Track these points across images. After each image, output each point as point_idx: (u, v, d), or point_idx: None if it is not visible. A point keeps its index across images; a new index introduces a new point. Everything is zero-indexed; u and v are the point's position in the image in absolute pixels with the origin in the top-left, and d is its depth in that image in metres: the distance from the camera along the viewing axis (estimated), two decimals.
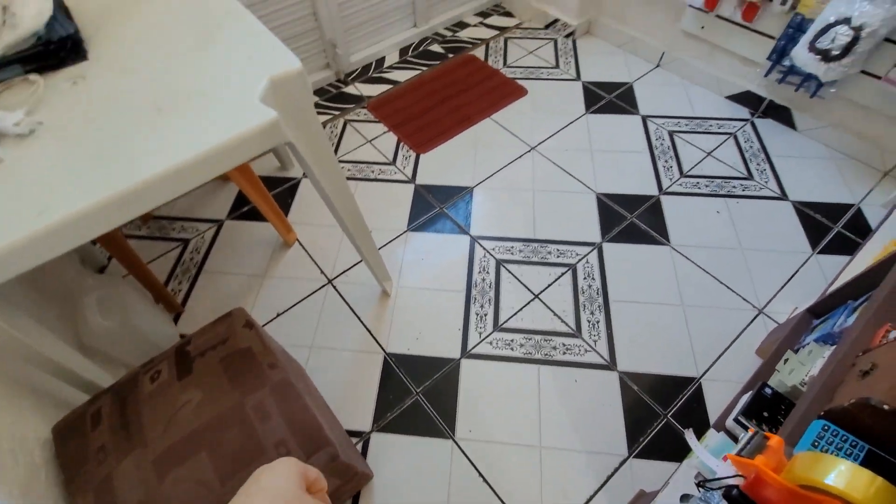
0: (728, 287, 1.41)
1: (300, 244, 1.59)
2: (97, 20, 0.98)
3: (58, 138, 0.76)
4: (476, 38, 2.28)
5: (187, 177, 0.73)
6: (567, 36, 2.25)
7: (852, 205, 1.57)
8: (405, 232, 1.60)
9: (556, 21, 2.25)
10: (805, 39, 1.45)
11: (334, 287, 1.48)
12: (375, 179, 1.76)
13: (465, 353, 1.32)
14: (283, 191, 1.74)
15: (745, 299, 1.38)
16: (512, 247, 1.54)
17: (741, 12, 1.66)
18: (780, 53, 1.61)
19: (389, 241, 1.58)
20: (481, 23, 2.36)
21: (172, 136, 0.75)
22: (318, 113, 1.98)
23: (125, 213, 0.70)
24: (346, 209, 1.13)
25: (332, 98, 2.05)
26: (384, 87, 2.08)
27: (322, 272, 1.52)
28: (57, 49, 0.87)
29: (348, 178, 1.76)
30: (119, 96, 0.82)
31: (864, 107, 1.57)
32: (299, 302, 1.45)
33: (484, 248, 1.54)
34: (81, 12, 0.99)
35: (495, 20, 2.37)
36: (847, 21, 1.33)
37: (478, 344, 1.34)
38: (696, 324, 1.34)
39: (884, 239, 1.29)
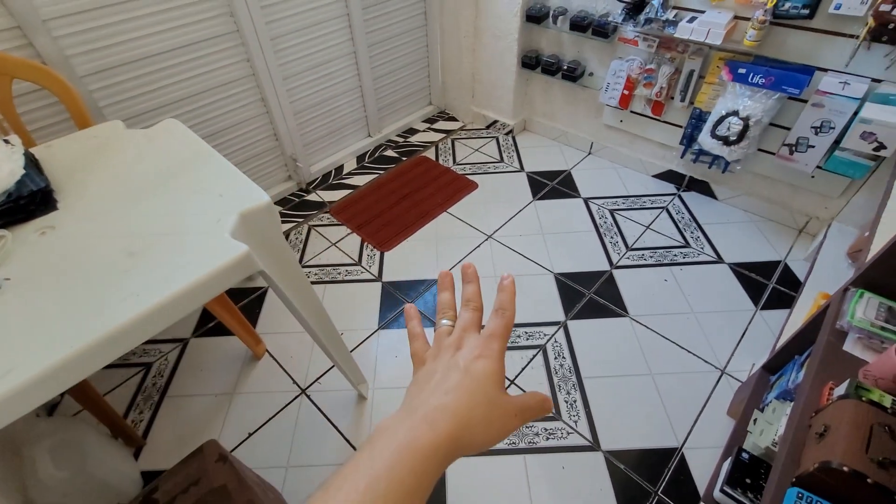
0: (689, 351, 1.49)
1: (270, 355, 1.56)
2: (69, 169, 1.03)
3: (25, 292, 0.76)
4: (426, 142, 2.49)
5: (162, 317, 0.75)
6: (507, 133, 2.51)
7: (779, 261, 1.75)
8: (377, 330, 1.62)
9: (495, 122, 2.52)
10: (707, 128, 1.70)
11: (308, 397, 1.44)
12: (343, 281, 1.79)
13: None
14: (251, 301, 1.74)
15: (706, 361, 1.46)
16: None
17: (650, 108, 1.94)
18: (689, 139, 1.87)
19: (362, 342, 1.58)
20: (429, 128, 2.60)
21: (145, 279, 0.77)
22: (283, 221, 2.06)
23: (98, 362, 0.70)
24: (315, 319, 1.15)
25: (296, 206, 2.14)
26: (345, 192, 2.20)
27: (294, 382, 1.48)
28: (26, 203, 0.90)
29: (316, 282, 1.79)
30: (89, 243, 0.84)
31: (767, 177, 1.82)
32: (272, 418, 1.39)
33: None
34: (53, 162, 1.04)
35: (441, 125, 2.62)
36: (736, 113, 1.59)
37: None
38: (667, 391, 1.39)
39: (812, 292, 1.43)
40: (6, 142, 0.99)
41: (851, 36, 1.39)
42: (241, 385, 1.48)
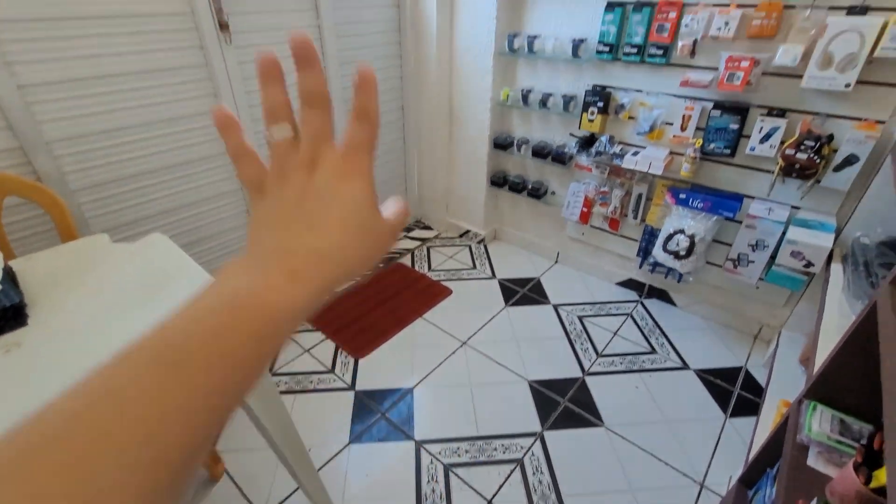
0: (666, 463, 1.46)
1: (229, 476, 1.44)
2: (47, 283, 1.04)
3: None
4: (402, 249, 2.61)
5: None
6: (479, 242, 2.66)
7: (740, 367, 1.82)
8: (347, 445, 1.54)
9: (468, 231, 2.69)
10: (659, 243, 1.87)
11: None
12: (314, 390, 1.74)
13: None
14: None
15: (685, 475, 1.43)
16: (458, 448, 1.52)
17: (608, 224, 2.14)
18: (644, 252, 2.04)
19: (331, 458, 1.49)
20: (406, 236, 2.74)
21: None
22: None
23: None
24: (282, 435, 1.11)
25: None
26: None
27: None
28: None
29: (285, 392, 1.72)
30: (55, 365, 0.83)
31: (719, 287, 1.97)
32: None
33: (430, 454, 1.50)
34: (32, 276, 1.05)
35: (417, 233, 2.77)
36: (682, 231, 1.77)
37: None
38: None
39: (774, 399, 1.48)
40: None
41: (768, 171, 1.64)
42: None
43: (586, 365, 1.84)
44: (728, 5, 1.50)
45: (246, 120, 1.79)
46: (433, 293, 2.25)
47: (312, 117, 0.28)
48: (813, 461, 0.93)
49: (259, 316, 0.22)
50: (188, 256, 1.16)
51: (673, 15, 1.60)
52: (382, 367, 1.84)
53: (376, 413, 1.64)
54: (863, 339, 0.88)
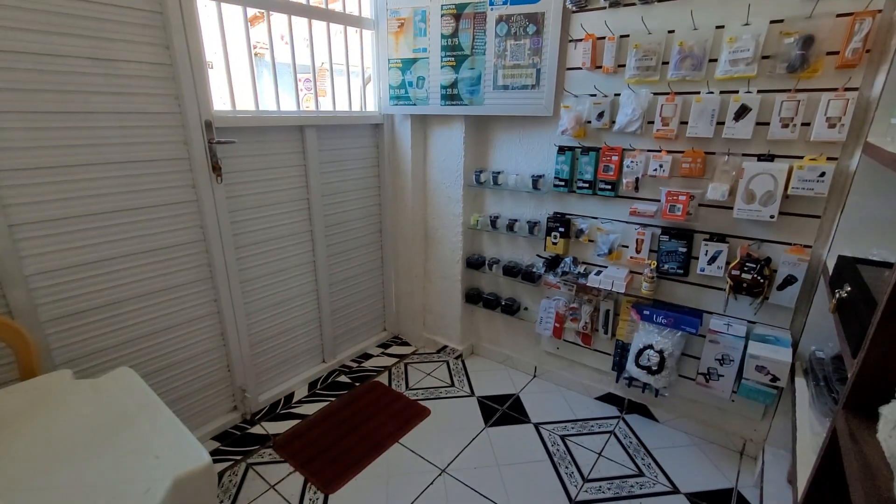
0: None
1: None
2: None
3: None
4: (380, 366, 2.57)
5: None
6: (456, 358, 2.65)
7: (731, 489, 1.75)
8: None
9: (445, 346, 2.68)
10: (631, 358, 1.91)
11: None
12: None
13: None
14: None
15: None
16: None
17: (581, 339, 2.19)
18: (619, 366, 2.06)
19: None
20: (383, 352, 2.71)
21: None
22: (219, 460, 1.89)
23: None
24: None
25: (236, 441, 1.99)
26: (292, 423, 2.11)
27: None
28: None
29: None
30: None
31: (696, 401, 1.97)
32: None
33: None
34: None
35: (395, 349, 2.75)
36: (651, 346, 1.83)
37: None
38: None
39: None
40: None
41: (721, 289, 1.77)
42: None
43: (573, 492, 1.74)
44: (660, 151, 1.76)
45: (229, 248, 1.88)
46: (411, 414, 2.17)
47: None
48: None
49: None
50: (154, 394, 1.14)
51: (615, 158, 1.85)
52: (355, 503, 1.69)
53: None
54: (834, 463, 0.90)
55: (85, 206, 1.49)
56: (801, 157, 1.51)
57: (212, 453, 1.92)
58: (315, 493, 1.75)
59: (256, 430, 2.07)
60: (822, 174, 1.44)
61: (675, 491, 1.75)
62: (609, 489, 1.75)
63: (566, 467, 1.86)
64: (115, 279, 1.60)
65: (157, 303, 1.72)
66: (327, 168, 2.24)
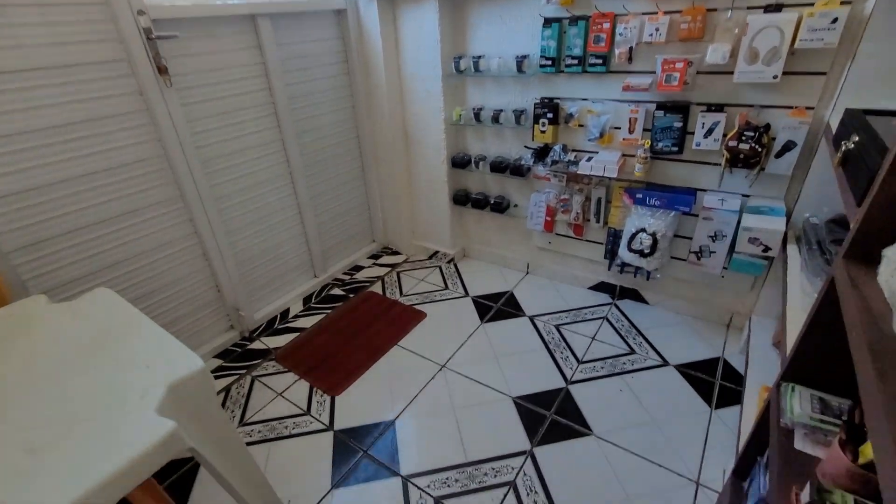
0: (660, 465, 1.44)
1: None
2: None
3: None
4: (372, 277, 2.56)
5: None
6: (449, 262, 2.64)
7: (718, 358, 1.84)
8: (329, 491, 1.44)
9: (436, 252, 2.66)
10: (623, 243, 1.90)
11: None
12: (290, 435, 1.64)
13: None
14: (181, 476, 1.52)
15: (679, 475, 1.41)
16: (447, 478, 1.45)
17: (573, 230, 2.16)
18: (611, 254, 2.06)
19: None
20: (374, 263, 2.69)
21: (46, 482, 0.67)
22: (224, 375, 1.92)
23: None
24: (255, 495, 1.02)
25: (238, 357, 2.02)
26: (291, 336, 2.13)
27: None
28: None
29: (259, 442, 1.61)
30: None
31: (686, 280, 2.01)
32: None
33: (419, 488, 1.42)
34: None
35: (386, 259, 2.73)
36: (644, 230, 1.80)
37: None
38: None
39: (755, 385, 1.49)
40: None
41: (716, 164, 1.70)
42: None
43: (568, 374, 1.82)
44: (656, 13, 1.58)
45: (194, 163, 1.73)
46: (407, 319, 2.20)
47: None
48: (800, 444, 0.92)
49: None
50: (136, 310, 1.09)
51: (607, 25, 1.66)
52: (360, 402, 1.76)
53: (358, 452, 1.56)
54: (827, 315, 0.89)
55: (22, 121, 1.32)
56: (812, 4, 1.35)
57: (216, 370, 1.95)
58: (322, 396, 1.81)
59: (256, 345, 2.10)
60: (835, 20, 1.30)
61: (665, 364, 1.83)
62: (602, 368, 1.83)
63: (561, 353, 1.93)
64: (76, 202, 1.48)
65: (127, 225, 1.62)
66: (291, 66, 2.01)
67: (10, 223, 1.36)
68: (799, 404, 0.94)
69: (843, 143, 1.04)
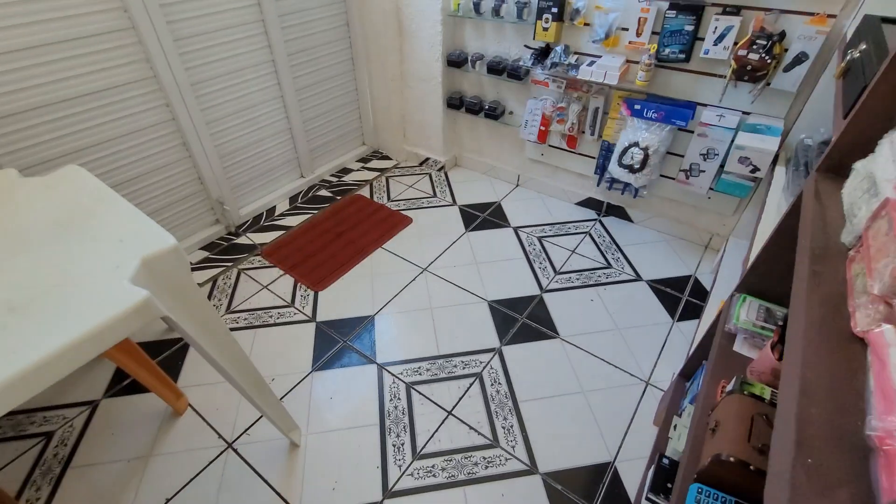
0: (616, 366, 1.55)
1: (193, 409, 1.46)
2: None
3: None
4: (360, 180, 2.53)
5: (45, 374, 0.69)
6: (439, 170, 2.60)
7: (690, 276, 1.90)
8: (310, 373, 1.56)
9: (427, 159, 2.61)
10: (614, 158, 1.86)
11: (235, 451, 1.35)
12: (275, 324, 1.73)
13: (387, 492, 1.25)
14: (172, 353, 1.63)
15: (632, 375, 1.53)
16: (419, 367, 1.57)
17: (566, 142, 2.09)
18: (602, 168, 2.02)
19: (294, 386, 1.52)
20: (364, 167, 2.64)
21: (25, 335, 0.72)
22: (211, 266, 1.98)
23: None
24: (234, 366, 1.10)
25: (224, 251, 2.06)
26: (277, 234, 2.16)
27: (220, 436, 1.39)
28: None
29: (245, 328, 1.71)
30: None
31: (672, 200, 2.00)
32: (193, 478, 1.29)
33: (392, 374, 1.55)
34: None
35: (375, 164, 2.67)
36: (637, 144, 1.75)
37: (399, 479, 1.27)
38: (598, 407, 1.43)
39: (717, 301, 1.56)
40: None
41: (721, 76, 1.60)
42: (158, 446, 1.36)
43: (544, 283, 1.88)
44: None
45: (166, 41, 1.61)
46: (393, 223, 2.22)
47: None
48: (739, 347, 0.99)
49: None
50: (108, 188, 1.08)
51: None
52: (343, 297, 1.84)
53: (338, 341, 1.66)
54: (789, 229, 0.90)
55: None
56: None
57: (201, 261, 2.00)
58: (305, 290, 1.88)
59: (242, 240, 2.13)
60: None
61: (638, 279, 1.90)
62: (577, 279, 1.90)
63: (540, 263, 1.98)
64: (44, 75, 1.40)
65: (100, 105, 1.55)
66: None
67: None
68: (746, 312, 0.99)
69: (849, 52, 0.97)
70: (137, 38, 1.55)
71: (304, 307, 1.80)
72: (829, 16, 1.37)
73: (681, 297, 1.81)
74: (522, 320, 1.72)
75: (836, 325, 0.57)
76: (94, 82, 1.51)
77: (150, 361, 1.34)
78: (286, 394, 1.50)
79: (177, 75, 1.69)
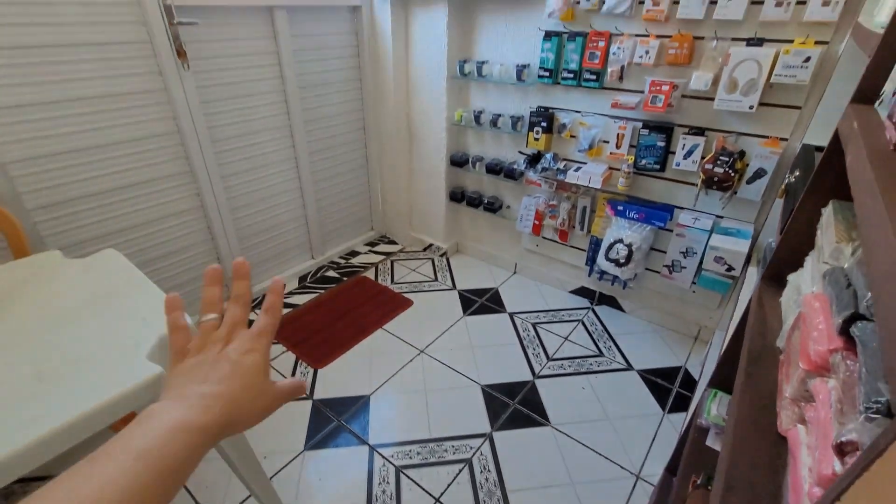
0: (606, 458, 1.55)
1: (184, 487, 1.47)
2: None
3: None
4: (367, 263, 2.69)
5: (62, 440, 0.77)
6: (441, 255, 2.76)
7: (680, 367, 1.94)
8: (302, 452, 1.58)
9: (431, 245, 2.78)
10: (602, 252, 2.00)
11: None
12: None
13: None
14: None
15: (622, 467, 1.52)
16: (410, 450, 1.58)
17: (558, 235, 2.26)
18: (592, 261, 2.16)
19: (286, 465, 1.53)
20: (371, 250, 2.82)
21: (49, 403, 0.80)
22: None
23: None
24: (232, 445, 1.16)
25: None
26: (284, 311, 2.27)
27: None
28: None
29: None
30: None
31: (659, 292, 2.10)
32: None
33: (383, 457, 1.56)
34: None
35: (382, 248, 2.85)
36: (621, 241, 1.90)
37: None
38: (588, 501, 1.42)
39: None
40: None
41: (693, 184, 1.79)
42: None
43: (537, 369, 1.93)
44: (647, 36, 1.66)
45: (205, 141, 1.87)
46: (394, 304, 2.33)
47: (236, 309, 0.44)
48: (711, 441, 1.03)
49: (192, 434, 0.33)
50: (139, 272, 1.22)
51: (602, 44, 1.75)
52: (341, 376, 1.90)
53: (333, 420, 1.69)
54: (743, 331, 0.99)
55: (54, 90, 1.46)
56: (791, 42, 1.43)
57: None
58: (305, 367, 1.95)
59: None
60: (808, 59, 1.38)
61: (629, 368, 1.94)
62: (570, 366, 1.95)
63: (534, 349, 2.05)
64: (95, 169, 1.62)
65: (140, 195, 1.76)
66: (303, 57, 2.13)
67: (35, 184, 1.50)
68: (716, 407, 1.05)
69: (786, 176, 1.13)
70: (181, 139, 1.80)
71: None
72: (781, 139, 1.57)
73: (671, 387, 1.84)
74: (514, 405, 1.75)
75: (765, 424, 0.65)
76: (137, 176, 1.73)
77: None
78: (277, 472, 1.51)
79: (210, 169, 1.92)
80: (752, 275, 1.57)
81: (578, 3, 1.76)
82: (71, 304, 1.07)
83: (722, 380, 1.10)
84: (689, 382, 1.86)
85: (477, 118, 2.23)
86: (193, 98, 1.77)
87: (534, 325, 2.19)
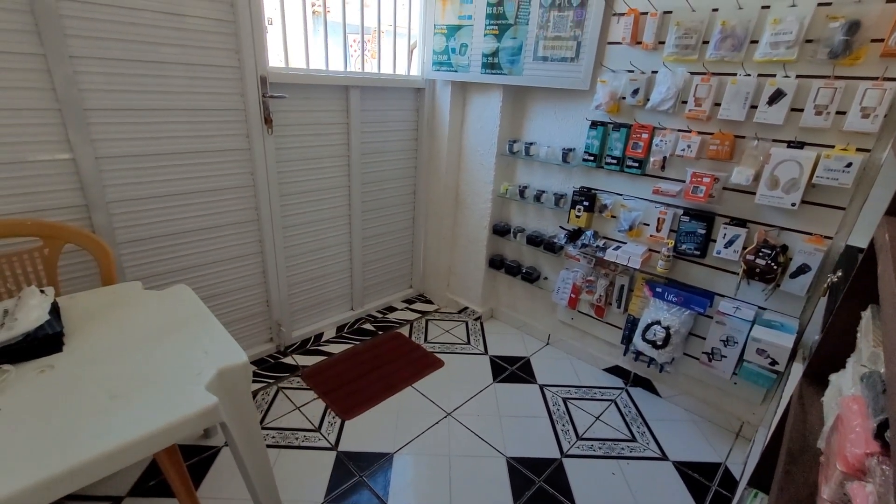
0: None
1: None
2: (83, 318, 1.23)
3: (10, 423, 0.87)
4: (403, 319, 2.76)
5: (126, 454, 0.85)
6: (476, 319, 2.80)
7: (720, 463, 1.83)
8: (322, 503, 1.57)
9: (466, 308, 2.84)
10: (638, 332, 1.99)
11: None
12: (299, 447, 1.80)
13: None
14: (201, 461, 1.71)
15: None
16: None
17: (594, 311, 2.27)
18: (628, 339, 2.14)
19: None
20: (407, 307, 2.90)
21: (119, 420, 0.89)
22: (255, 381, 2.14)
23: (54, 493, 0.77)
24: (262, 482, 1.19)
25: (270, 367, 2.25)
26: (320, 358, 2.34)
27: None
28: (38, 344, 1.05)
29: (272, 446, 1.79)
30: (79, 385, 0.98)
31: (698, 380, 2.03)
32: None
33: None
34: (72, 311, 1.24)
35: (419, 306, 2.93)
36: (659, 322, 1.90)
37: None
38: None
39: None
40: (42, 291, 1.21)
41: (734, 273, 1.79)
42: None
43: (565, 447, 1.87)
44: (689, 132, 1.77)
45: (274, 195, 2.07)
46: (426, 363, 2.35)
47: None
48: None
49: None
50: (205, 306, 1.35)
51: (645, 136, 1.87)
52: (367, 430, 1.91)
53: (354, 475, 1.69)
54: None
55: (156, 146, 1.70)
56: (832, 147, 1.49)
57: None
58: (334, 417, 1.97)
59: (288, 360, 2.32)
60: (849, 164, 1.43)
61: (664, 458, 1.84)
62: (600, 448, 1.87)
63: (563, 425, 1.99)
64: (178, 213, 1.83)
65: (211, 237, 1.96)
66: (368, 128, 2.38)
67: (127, 221, 1.72)
68: None
69: (828, 276, 1.14)
70: (255, 192, 2.02)
71: (329, 434, 1.87)
72: (826, 237, 1.58)
73: (710, 485, 1.72)
74: (539, 484, 1.69)
75: None
76: (213, 220, 1.94)
77: (182, 464, 1.44)
78: None
79: (274, 220, 2.11)
80: (797, 371, 1.52)
81: (624, 98, 1.91)
82: (145, 331, 1.19)
83: (762, 479, 1.06)
84: (729, 481, 1.74)
85: (521, 192, 2.36)
86: (272, 157, 2.00)
87: (564, 400, 2.14)
